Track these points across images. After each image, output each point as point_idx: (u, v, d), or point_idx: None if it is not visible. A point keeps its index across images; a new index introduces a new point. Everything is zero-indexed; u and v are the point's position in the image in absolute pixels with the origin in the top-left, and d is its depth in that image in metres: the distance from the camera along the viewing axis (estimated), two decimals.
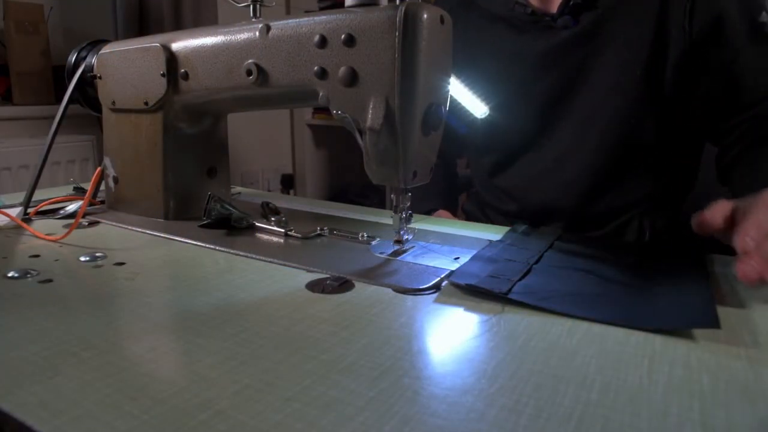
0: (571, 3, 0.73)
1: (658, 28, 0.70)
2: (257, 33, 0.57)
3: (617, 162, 0.76)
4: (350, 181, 2.64)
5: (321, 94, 0.54)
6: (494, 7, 0.81)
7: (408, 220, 0.56)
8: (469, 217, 0.93)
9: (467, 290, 0.46)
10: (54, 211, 0.73)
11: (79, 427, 0.27)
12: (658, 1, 0.70)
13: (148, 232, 0.65)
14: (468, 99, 0.79)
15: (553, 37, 0.76)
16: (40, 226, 0.67)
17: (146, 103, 0.67)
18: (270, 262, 0.54)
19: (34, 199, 0.73)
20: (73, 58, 0.77)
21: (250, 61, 0.58)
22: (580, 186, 0.78)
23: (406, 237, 0.57)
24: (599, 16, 0.73)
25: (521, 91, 0.79)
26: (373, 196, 2.48)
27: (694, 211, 0.51)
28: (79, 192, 0.84)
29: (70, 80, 0.75)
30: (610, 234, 0.79)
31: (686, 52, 0.70)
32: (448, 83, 0.54)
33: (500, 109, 0.81)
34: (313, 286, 0.47)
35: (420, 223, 0.71)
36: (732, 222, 0.48)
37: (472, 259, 0.53)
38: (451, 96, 0.55)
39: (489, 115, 0.81)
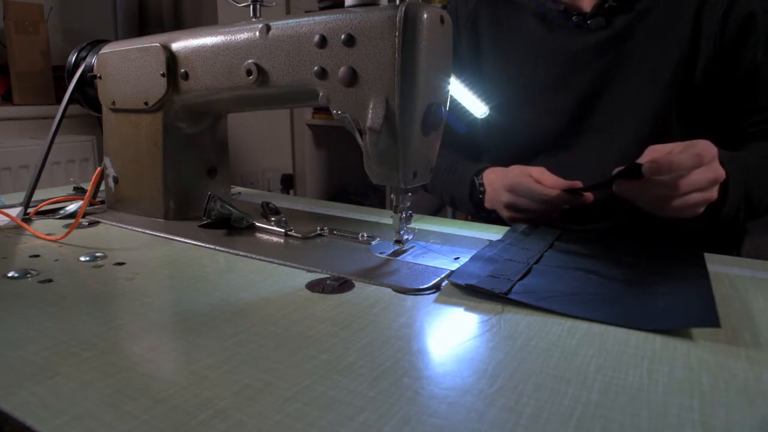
0: (607, 5, 0.73)
1: (692, 33, 0.71)
2: (257, 33, 0.57)
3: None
4: (350, 181, 2.64)
5: (321, 94, 0.54)
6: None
7: (408, 220, 0.56)
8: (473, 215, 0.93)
9: (467, 290, 0.46)
10: (54, 211, 0.73)
11: (79, 427, 0.27)
12: (693, 7, 0.71)
13: (148, 232, 0.65)
14: (479, 93, 0.78)
15: (586, 38, 0.76)
16: (40, 226, 0.67)
17: (146, 103, 0.67)
18: (270, 262, 0.54)
19: (34, 199, 0.73)
20: (73, 58, 0.77)
21: (250, 61, 0.58)
22: None
23: (406, 237, 0.57)
24: (632, 18, 0.73)
25: (548, 89, 0.79)
26: (373, 196, 2.48)
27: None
28: (79, 192, 0.84)
29: (70, 80, 0.75)
30: (621, 228, 0.79)
31: (715, 57, 0.71)
32: (448, 83, 0.54)
33: (523, 105, 0.80)
34: (313, 286, 0.47)
35: (420, 223, 0.71)
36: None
37: (472, 259, 0.53)
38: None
39: (509, 110, 0.81)
